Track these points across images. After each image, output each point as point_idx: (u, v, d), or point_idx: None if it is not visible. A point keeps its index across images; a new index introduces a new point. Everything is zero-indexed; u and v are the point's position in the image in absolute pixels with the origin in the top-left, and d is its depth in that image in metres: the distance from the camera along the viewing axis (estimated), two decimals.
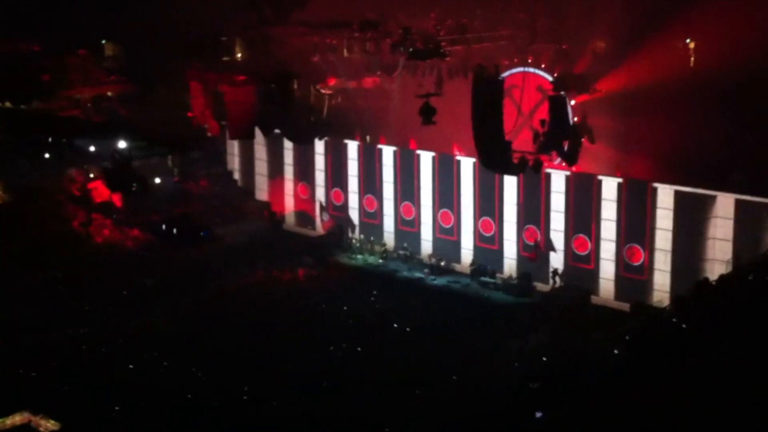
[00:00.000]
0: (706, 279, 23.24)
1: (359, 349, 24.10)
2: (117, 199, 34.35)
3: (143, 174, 32.31)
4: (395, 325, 25.75)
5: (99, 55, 40.03)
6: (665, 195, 25.88)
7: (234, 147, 37.36)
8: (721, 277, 20.32)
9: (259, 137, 34.67)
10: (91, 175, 35.33)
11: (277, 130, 33.59)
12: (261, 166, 36.55)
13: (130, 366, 23.04)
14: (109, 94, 39.42)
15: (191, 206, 35.51)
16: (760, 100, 24.37)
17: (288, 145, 34.90)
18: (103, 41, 40.21)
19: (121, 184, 31.65)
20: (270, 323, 25.99)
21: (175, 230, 33.18)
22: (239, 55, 35.30)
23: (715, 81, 25.25)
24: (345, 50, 32.28)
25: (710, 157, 25.02)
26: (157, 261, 31.11)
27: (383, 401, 21.00)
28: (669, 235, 25.76)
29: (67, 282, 29.05)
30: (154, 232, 33.14)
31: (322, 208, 34.77)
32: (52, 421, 20.04)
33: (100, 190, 34.63)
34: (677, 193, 25.66)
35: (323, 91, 33.64)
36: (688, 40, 26.54)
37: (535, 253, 28.39)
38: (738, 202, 24.54)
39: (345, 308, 27.06)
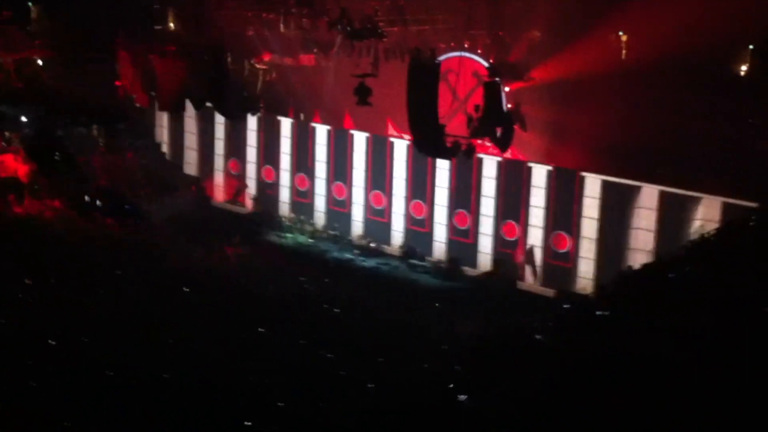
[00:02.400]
0: (630, 267, 23.90)
1: (286, 331, 23.81)
2: (23, 175, 32.87)
3: (66, 143, 31.30)
4: (324, 306, 25.59)
5: (24, 19, 38.41)
6: (593, 184, 26.35)
7: (163, 119, 36.43)
8: (643, 267, 20.88)
9: (189, 110, 33.87)
10: (4, 144, 33.91)
11: (208, 104, 32.89)
12: (191, 140, 35.78)
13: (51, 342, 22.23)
14: (33, 59, 37.88)
15: (115, 179, 34.48)
16: (689, 93, 24.97)
17: (219, 119, 34.22)
18: (29, 4, 38.58)
19: (42, 152, 30.59)
20: (196, 303, 25.45)
21: (98, 203, 32.18)
22: (171, 25, 34.39)
23: (645, 73, 25.80)
24: (281, 26, 31.82)
25: (638, 148, 25.58)
26: (79, 237, 30.08)
27: (307, 383, 20.84)
28: (595, 224, 26.27)
29: None
30: (75, 205, 32.04)
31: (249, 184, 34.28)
32: None
33: (5, 164, 33.09)
34: (604, 183, 26.17)
35: (257, 66, 33.12)
36: (620, 33, 26.98)
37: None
38: (662, 194, 25.15)
39: (271, 287, 26.75)
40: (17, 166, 32.29)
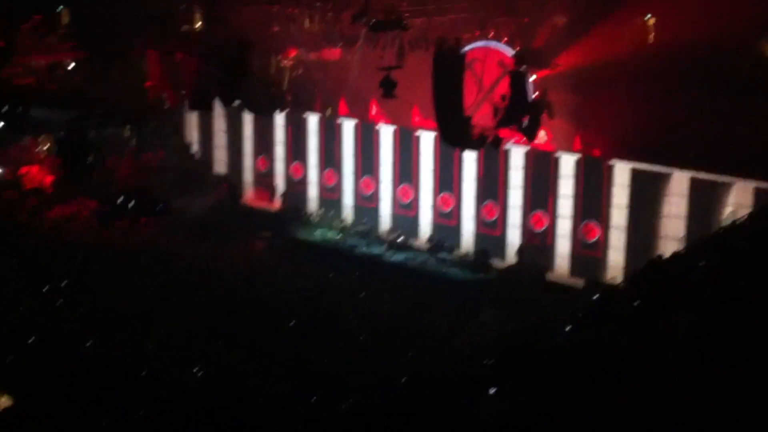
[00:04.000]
0: (659, 256, 23.42)
1: (315, 325, 23.89)
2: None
3: (98, 144, 31.68)
4: (351, 300, 25.61)
5: (55, 22, 38.97)
6: (622, 172, 25.89)
7: (192, 118, 36.69)
8: (674, 255, 20.44)
9: (218, 108, 34.07)
10: (44, 147, 34.50)
11: (236, 102, 33.03)
12: (220, 138, 35.98)
13: (89, 343, 22.56)
14: (65, 62, 38.42)
15: (147, 179, 34.84)
16: (719, 76, 24.38)
17: (247, 117, 34.36)
18: (60, 8, 39.11)
19: (74, 155, 30.99)
20: (227, 300, 25.65)
21: (130, 204, 32.56)
22: (198, 23, 34.59)
23: (674, 56, 25.25)
24: (306, 21, 31.81)
25: (667, 134, 25.00)
26: (113, 237, 30.50)
27: (339, 378, 20.88)
28: (624, 213, 25.81)
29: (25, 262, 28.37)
30: (107, 206, 32.46)
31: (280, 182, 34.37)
32: (5, 397, 19.62)
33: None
34: (633, 170, 25.69)
35: (283, 62, 33.18)
36: (648, 16, 26.43)
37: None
38: (692, 180, 24.62)
39: (303, 285, 26.83)
40: (42, 177, 32.86)
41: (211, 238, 30.36)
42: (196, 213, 33.09)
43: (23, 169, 33.96)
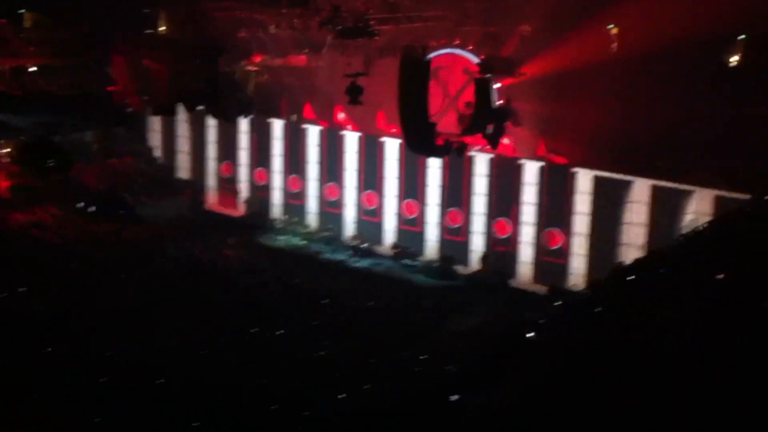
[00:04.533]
0: (621, 263, 23.64)
1: (282, 331, 23.68)
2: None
3: (64, 149, 31.25)
4: (317, 307, 25.43)
5: (18, 26, 38.40)
6: (585, 179, 26.12)
7: (156, 123, 36.35)
8: (635, 262, 20.62)
9: (182, 114, 33.79)
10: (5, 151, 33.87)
11: (200, 107, 32.78)
12: (183, 144, 35.67)
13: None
14: (28, 66, 37.85)
15: (111, 184, 34.45)
16: (680, 86, 24.71)
17: (212, 122, 34.12)
18: (23, 11, 38.55)
19: (38, 159, 30.52)
20: (191, 305, 25.33)
21: (94, 208, 32.16)
22: (164, 28, 34.29)
23: (636, 66, 25.54)
24: (272, 26, 31.69)
25: (629, 142, 25.31)
26: (75, 242, 30.02)
27: (303, 383, 20.68)
28: (587, 220, 26.02)
29: None
30: (71, 210, 31.98)
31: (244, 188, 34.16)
32: None
33: None
34: (596, 178, 25.91)
35: (249, 67, 33.02)
36: (611, 26, 26.73)
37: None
38: (654, 188, 24.90)
39: (268, 289, 26.61)
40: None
41: (174, 243, 30.04)
42: (159, 218, 32.71)
43: None
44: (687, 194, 24.33)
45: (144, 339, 22.60)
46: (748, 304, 13.75)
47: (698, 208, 23.85)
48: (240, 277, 27.62)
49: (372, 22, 28.54)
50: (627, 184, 25.37)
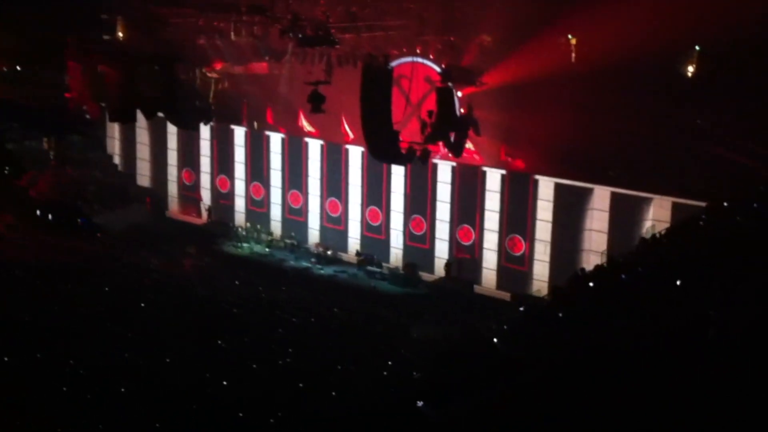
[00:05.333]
0: (582, 269, 24.07)
1: (245, 339, 23.60)
2: None
3: (17, 156, 30.66)
4: (280, 315, 25.41)
5: None
6: (546, 187, 26.63)
7: (114, 130, 35.90)
8: (596, 268, 21.06)
9: (141, 121, 33.40)
10: None
11: (160, 114, 32.47)
12: (143, 151, 35.32)
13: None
14: None
15: (68, 192, 33.91)
16: (638, 96, 25.29)
17: (172, 129, 33.85)
18: None
19: None
20: (151, 314, 25.10)
21: (50, 217, 31.62)
22: (121, 34, 33.89)
23: (594, 76, 26.03)
24: (232, 34, 31.52)
25: (588, 150, 25.84)
26: (37, 250, 29.51)
27: (267, 393, 20.65)
28: (549, 227, 26.51)
29: None
30: (26, 219, 31.41)
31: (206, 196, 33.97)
32: None
33: None
34: (557, 186, 26.42)
35: (209, 74, 32.83)
36: (569, 37, 27.23)
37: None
38: (614, 195, 25.50)
39: (228, 299, 26.49)
40: None
41: (134, 251, 29.71)
42: (118, 227, 32.33)
43: None
44: (646, 201, 24.93)
45: (96, 349, 22.47)
46: (703, 309, 14.21)
47: (657, 215, 24.44)
48: (198, 286, 27.48)
49: (333, 31, 28.63)
50: (587, 192, 25.92)
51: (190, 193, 34.31)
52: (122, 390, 20.04)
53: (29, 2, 31.57)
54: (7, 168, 30.66)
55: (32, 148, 34.73)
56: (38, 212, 31.71)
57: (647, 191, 24.92)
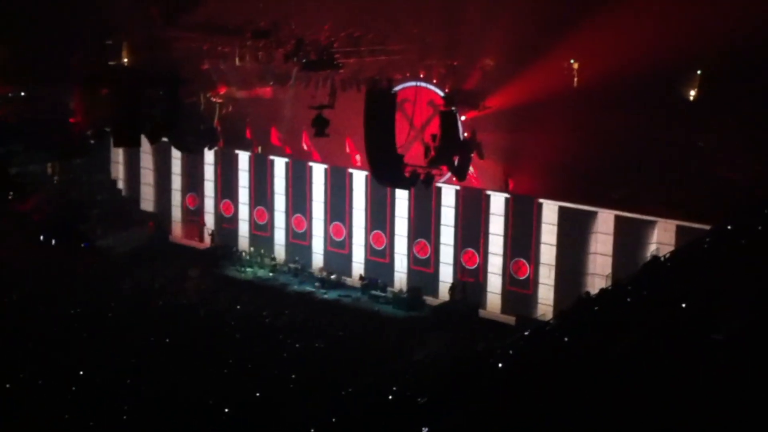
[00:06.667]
0: (587, 293, 24.01)
1: (249, 365, 23.50)
2: None
3: (22, 181, 30.81)
4: (283, 339, 25.32)
5: None
6: (550, 210, 26.60)
7: (119, 155, 36.04)
8: (601, 291, 20.99)
9: (145, 145, 33.53)
10: None
11: (164, 139, 32.60)
12: (147, 176, 35.41)
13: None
14: None
15: (71, 216, 33.95)
16: (641, 118, 25.35)
17: (176, 154, 33.95)
18: None
19: None
20: (154, 338, 25.03)
21: (54, 241, 31.69)
22: (126, 59, 34.11)
23: (597, 99, 26.15)
24: (237, 58, 31.72)
25: (592, 174, 25.86)
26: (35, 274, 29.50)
27: (272, 415, 20.54)
28: (553, 250, 26.46)
29: None
30: (31, 243, 31.43)
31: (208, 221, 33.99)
32: None
33: None
34: (561, 209, 26.41)
35: (213, 99, 32.97)
36: (572, 61, 27.37)
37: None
38: (618, 219, 25.45)
39: (232, 323, 26.41)
40: None
41: (137, 275, 29.71)
42: (122, 250, 32.38)
43: None
44: (650, 224, 24.90)
45: (96, 368, 22.35)
46: (708, 332, 14.13)
47: (661, 238, 24.40)
48: (202, 309, 27.40)
49: (336, 55, 28.81)
50: (591, 215, 25.90)
51: (193, 217, 34.34)
52: (124, 408, 20.04)
53: (34, 25, 31.87)
54: (11, 193, 30.80)
55: (36, 172, 34.81)
56: (41, 237, 31.79)
57: (651, 214, 24.87)
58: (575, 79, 27.54)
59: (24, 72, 34.89)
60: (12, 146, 31.03)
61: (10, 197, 30.43)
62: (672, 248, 22.57)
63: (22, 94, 35.52)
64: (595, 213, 25.85)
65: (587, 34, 26.04)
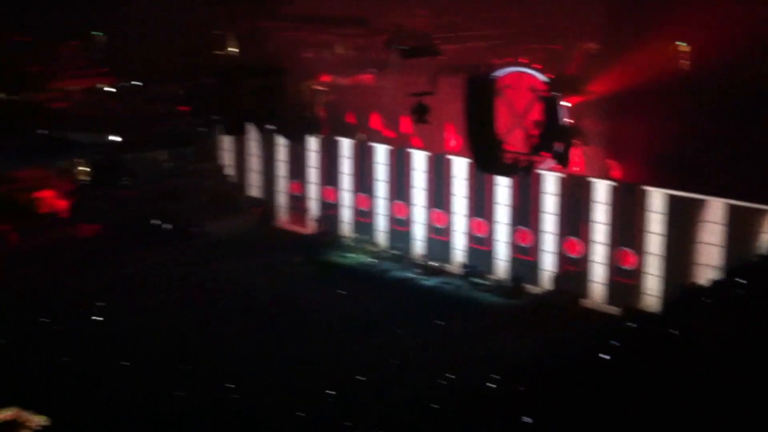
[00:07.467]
0: (694, 283, 23.37)
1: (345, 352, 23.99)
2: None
3: (133, 168, 32.23)
4: (384, 326, 25.69)
5: (89, 48, 39.62)
6: (657, 198, 25.90)
7: (226, 142, 37.21)
8: (712, 283, 20.40)
9: (252, 133, 34.53)
10: (81, 168, 34.97)
11: (269, 126, 33.45)
12: (253, 162, 36.45)
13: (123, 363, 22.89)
14: (99, 86, 39.02)
15: (182, 202, 35.34)
16: (754, 103, 24.34)
17: (281, 141, 34.79)
18: (93, 33, 39.78)
19: (109, 177, 31.54)
20: (258, 323, 25.85)
21: (164, 226, 33.14)
22: (231, 49, 35.09)
23: (707, 84, 25.24)
24: (337, 47, 32.17)
25: (702, 161, 25.00)
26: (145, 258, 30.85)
27: (367, 400, 20.97)
28: (660, 239, 25.80)
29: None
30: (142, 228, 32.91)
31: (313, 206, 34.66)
32: (41, 417, 19.91)
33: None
34: (669, 197, 25.69)
35: (316, 87, 33.55)
36: (679, 42, 26.46)
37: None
38: (728, 207, 24.58)
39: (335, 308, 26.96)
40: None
41: (243, 261, 30.71)
42: (229, 235, 33.51)
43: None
44: (763, 213, 23.93)
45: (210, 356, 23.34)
46: None
47: None
48: (304, 295, 27.98)
49: (436, 41, 28.80)
50: (700, 204, 25.09)
51: (298, 203, 35.14)
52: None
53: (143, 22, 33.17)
54: (125, 179, 32.32)
55: (148, 159, 36.28)
56: (152, 221, 33.28)
57: (763, 203, 23.89)
58: (684, 62, 26.65)
59: (135, 64, 36.45)
60: (124, 135, 32.41)
61: (123, 182, 31.83)
62: None
63: (132, 83, 37.14)
64: (704, 201, 25.02)
65: (695, 12, 25.09)
